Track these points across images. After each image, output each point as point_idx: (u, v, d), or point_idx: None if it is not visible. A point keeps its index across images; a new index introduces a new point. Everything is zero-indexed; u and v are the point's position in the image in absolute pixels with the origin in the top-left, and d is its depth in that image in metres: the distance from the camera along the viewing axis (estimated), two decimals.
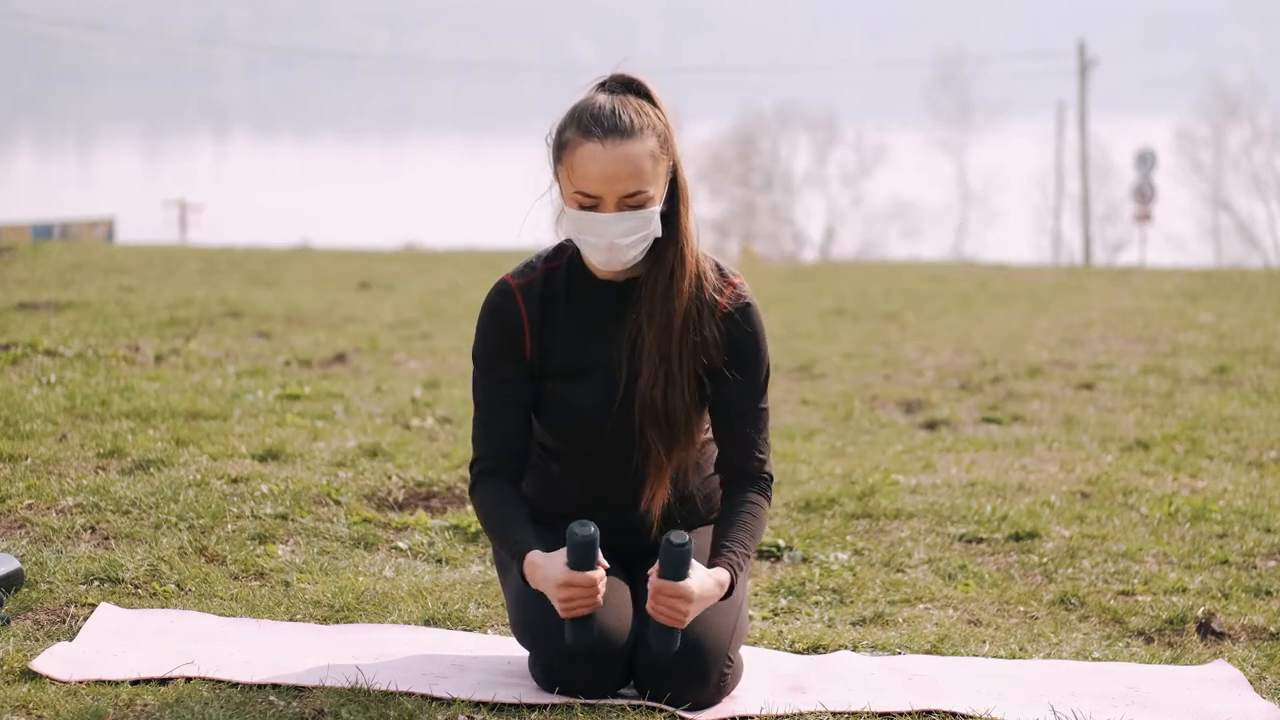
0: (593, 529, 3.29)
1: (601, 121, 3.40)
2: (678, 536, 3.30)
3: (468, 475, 3.56)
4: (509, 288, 3.54)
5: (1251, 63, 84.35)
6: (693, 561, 3.33)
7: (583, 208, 3.43)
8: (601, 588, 3.31)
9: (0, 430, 5.79)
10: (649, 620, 3.35)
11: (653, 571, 3.33)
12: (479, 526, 4.88)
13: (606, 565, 3.36)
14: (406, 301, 12.91)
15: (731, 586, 3.41)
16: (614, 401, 3.49)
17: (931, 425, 7.40)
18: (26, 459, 5.38)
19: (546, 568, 3.35)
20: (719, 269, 3.56)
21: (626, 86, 3.50)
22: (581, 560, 3.30)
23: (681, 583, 3.30)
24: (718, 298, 3.52)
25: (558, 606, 3.33)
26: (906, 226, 59.65)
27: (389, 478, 5.44)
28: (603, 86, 3.51)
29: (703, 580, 3.35)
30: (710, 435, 3.65)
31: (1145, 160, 41.89)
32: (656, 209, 3.45)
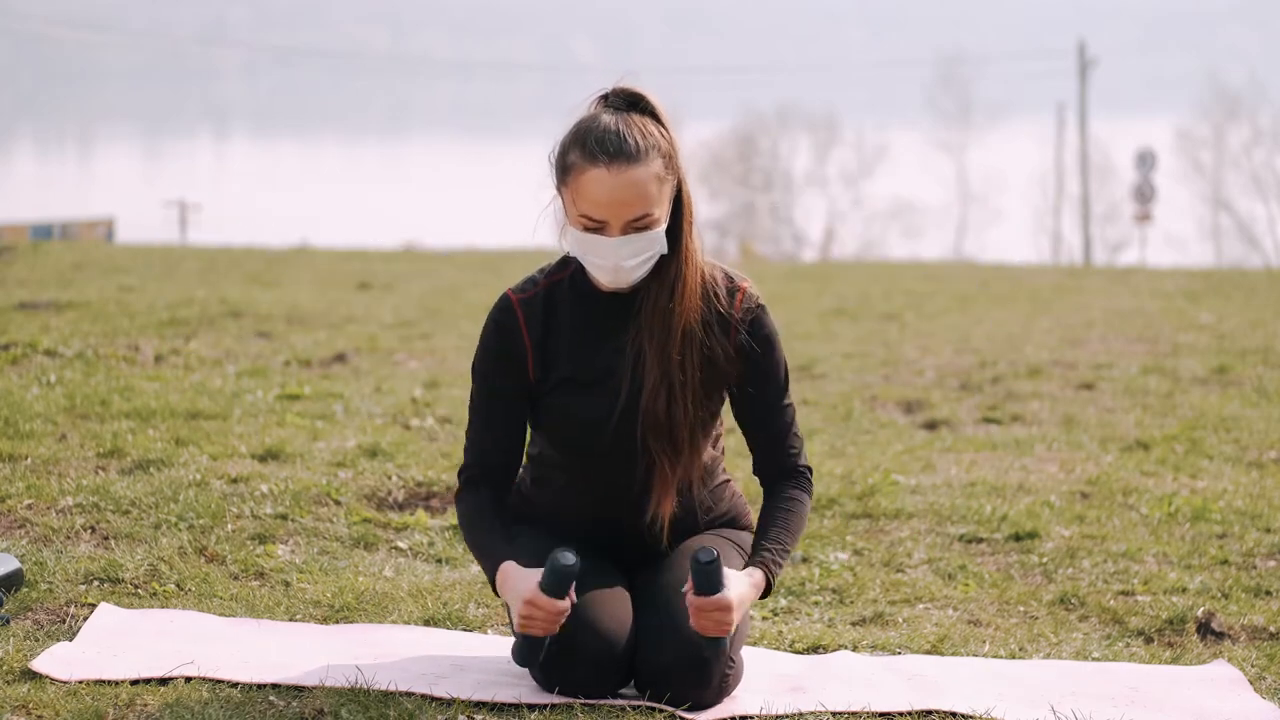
0: (574, 560, 3.31)
1: (607, 147, 3.38)
2: (705, 554, 3.32)
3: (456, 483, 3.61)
4: (510, 304, 3.54)
5: (1252, 63, 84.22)
6: (725, 570, 3.35)
7: (588, 230, 3.43)
8: (563, 619, 3.33)
9: (0, 430, 5.79)
10: (698, 633, 3.36)
11: (687, 589, 3.35)
12: None
13: (575, 600, 3.36)
14: (406, 301, 12.90)
15: (769, 586, 3.45)
16: (615, 412, 3.49)
17: (931, 425, 7.40)
18: (26, 459, 5.38)
19: (517, 580, 3.36)
20: (727, 276, 3.56)
21: (631, 104, 3.48)
22: (554, 587, 3.32)
23: (719, 595, 3.32)
24: (728, 308, 3.52)
25: (515, 620, 3.35)
26: (906, 226, 59.61)
27: (389, 478, 5.44)
28: (606, 101, 3.49)
29: (739, 587, 3.37)
30: (720, 448, 3.66)
31: (1145, 160, 41.89)
32: (662, 228, 3.45)
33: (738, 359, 3.54)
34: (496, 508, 3.56)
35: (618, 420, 3.48)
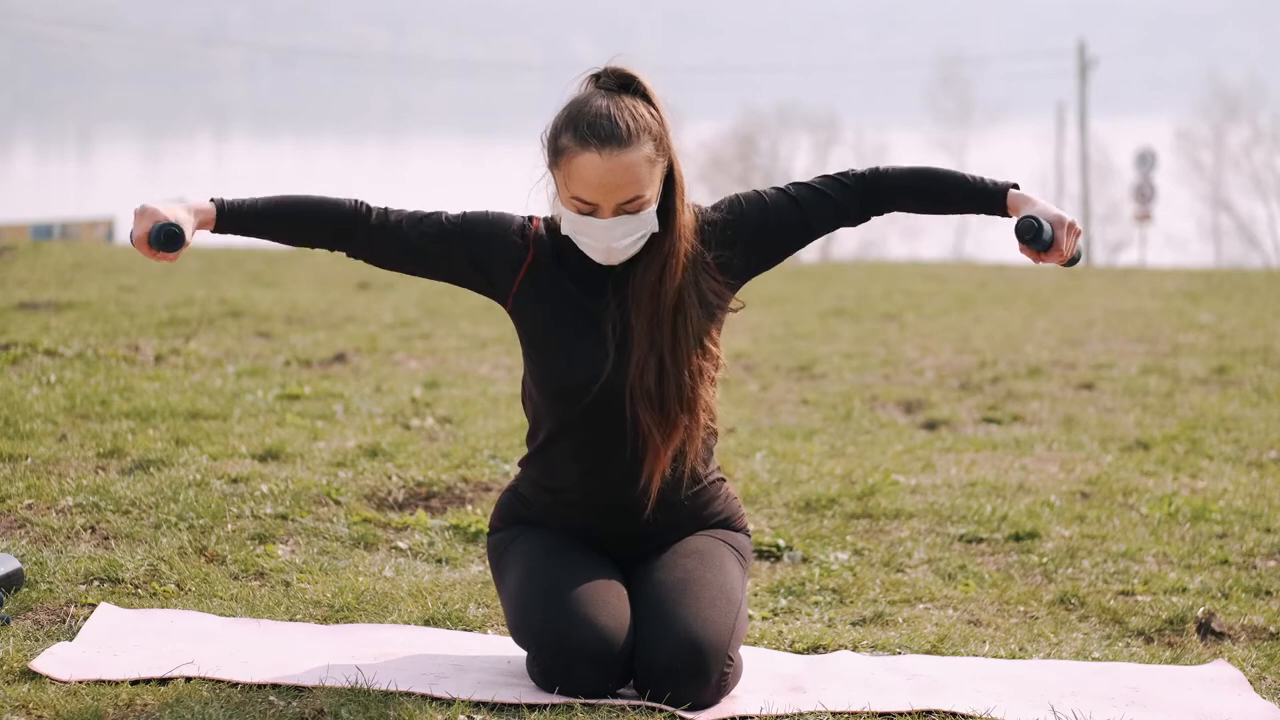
0: (179, 233, 3.43)
1: (598, 131, 3.41)
2: (1025, 225, 3.52)
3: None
4: (531, 221, 3.60)
5: (1252, 63, 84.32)
6: (1030, 213, 3.54)
7: (580, 211, 3.45)
8: (147, 254, 3.46)
9: (0, 430, 5.79)
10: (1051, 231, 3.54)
11: (1030, 254, 3.55)
12: (479, 527, 4.88)
13: (161, 257, 3.46)
14: (406, 301, 12.90)
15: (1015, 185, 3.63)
16: (605, 368, 3.50)
17: (931, 425, 7.40)
18: (26, 459, 5.38)
19: (172, 207, 3.47)
20: (693, 215, 3.58)
21: (622, 85, 3.50)
22: (156, 238, 3.45)
23: (1057, 221, 3.53)
24: (699, 245, 3.55)
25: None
26: (906, 226, 59.61)
27: (389, 478, 5.44)
28: (597, 82, 3.51)
29: (1049, 207, 3.56)
30: (714, 427, 3.64)
31: (1145, 160, 41.91)
32: (653, 209, 3.47)
33: (725, 277, 3.56)
34: (316, 208, 3.58)
35: (609, 381, 3.49)
